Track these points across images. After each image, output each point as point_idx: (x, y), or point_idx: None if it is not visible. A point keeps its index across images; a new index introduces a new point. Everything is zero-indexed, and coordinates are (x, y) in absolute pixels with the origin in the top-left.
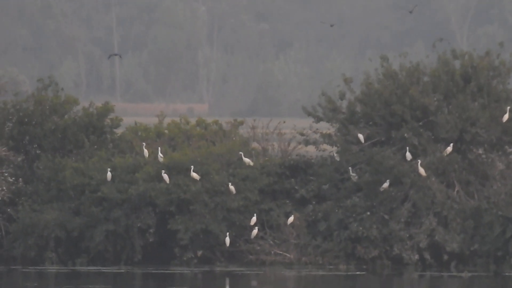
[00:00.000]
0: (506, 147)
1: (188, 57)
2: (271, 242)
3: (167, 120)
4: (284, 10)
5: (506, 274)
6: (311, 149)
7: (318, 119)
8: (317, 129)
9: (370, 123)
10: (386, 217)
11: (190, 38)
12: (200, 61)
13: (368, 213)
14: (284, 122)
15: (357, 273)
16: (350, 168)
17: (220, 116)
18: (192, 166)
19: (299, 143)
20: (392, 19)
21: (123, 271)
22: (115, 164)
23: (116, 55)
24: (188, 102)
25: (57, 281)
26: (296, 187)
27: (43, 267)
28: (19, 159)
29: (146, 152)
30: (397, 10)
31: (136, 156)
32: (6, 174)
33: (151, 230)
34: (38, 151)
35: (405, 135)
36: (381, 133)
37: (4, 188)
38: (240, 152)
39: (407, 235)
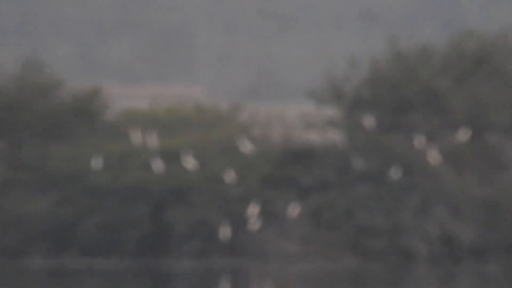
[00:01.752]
0: None
1: (185, 39)
2: (273, 233)
3: (162, 105)
4: None
5: None
6: (314, 135)
7: (322, 103)
8: (321, 114)
9: (378, 107)
10: (395, 206)
11: (187, 18)
12: (198, 42)
13: (376, 202)
14: (287, 106)
15: (363, 265)
16: (354, 156)
17: (219, 100)
18: (190, 154)
19: (302, 128)
20: None
21: (116, 264)
22: (107, 151)
23: None
24: (185, 85)
25: (45, 275)
26: (299, 175)
27: (30, 259)
28: (4, 146)
29: (140, 138)
30: None
31: (129, 142)
32: None
33: (145, 221)
34: (24, 137)
35: (415, 120)
36: (389, 118)
37: None
38: (241, 137)
39: (417, 226)
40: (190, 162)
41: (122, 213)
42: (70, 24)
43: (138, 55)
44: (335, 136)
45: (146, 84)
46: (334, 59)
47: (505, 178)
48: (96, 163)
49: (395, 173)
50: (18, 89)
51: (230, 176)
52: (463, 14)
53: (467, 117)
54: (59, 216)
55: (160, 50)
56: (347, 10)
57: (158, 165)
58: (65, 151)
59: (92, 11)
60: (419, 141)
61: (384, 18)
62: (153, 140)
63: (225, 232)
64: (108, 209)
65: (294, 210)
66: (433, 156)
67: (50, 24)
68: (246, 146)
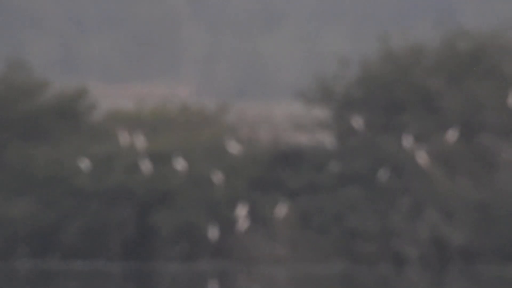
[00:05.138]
0: None
1: (169, 36)
2: (261, 236)
3: (147, 105)
4: None
5: None
6: (303, 136)
7: (311, 104)
8: (310, 114)
9: (368, 107)
10: (385, 209)
11: (172, 15)
12: (183, 39)
13: (366, 205)
14: (275, 106)
15: (354, 269)
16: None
17: (205, 100)
18: (178, 156)
19: (291, 129)
20: None
21: (99, 267)
22: (91, 153)
23: None
24: (170, 84)
25: (28, 278)
26: (288, 177)
27: (13, 262)
28: None
29: (124, 139)
30: None
31: (114, 143)
32: None
33: (130, 224)
34: (6, 138)
35: (406, 120)
36: (380, 119)
37: None
38: (228, 138)
39: (408, 229)
40: (180, 163)
41: (107, 216)
42: (50, 20)
43: (121, 53)
44: (325, 138)
45: (130, 83)
46: (323, 58)
47: (499, 180)
48: (85, 164)
49: (383, 174)
50: (1, 90)
51: (217, 178)
52: (456, 12)
53: (461, 118)
54: (42, 219)
55: (144, 48)
56: (337, 7)
57: (146, 166)
58: (49, 153)
59: (72, 6)
60: (407, 141)
61: (375, 16)
62: (139, 142)
63: (213, 233)
64: (92, 211)
65: (281, 210)
66: (422, 157)
67: (29, 20)
68: (234, 148)
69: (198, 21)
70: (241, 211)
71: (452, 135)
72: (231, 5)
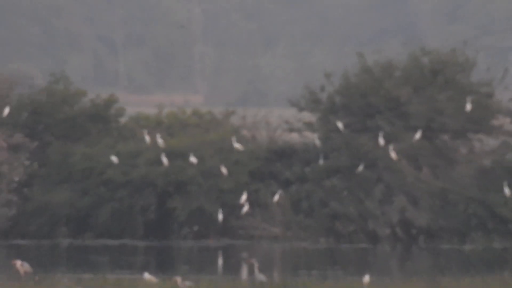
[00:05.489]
0: (469, 134)
1: (184, 53)
2: (259, 218)
3: (166, 111)
4: (271, 10)
5: (468, 247)
6: (295, 136)
7: (302, 109)
8: (300, 118)
9: (348, 112)
10: (362, 196)
11: (186, 36)
12: (196, 56)
13: (346, 193)
14: (271, 112)
15: (336, 246)
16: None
17: (214, 106)
18: (191, 152)
19: (285, 130)
20: (369, 19)
21: (126, 244)
22: (119, 150)
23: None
24: (185, 93)
25: (68, 253)
26: (282, 170)
27: (55, 240)
28: (34, 145)
29: (147, 139)
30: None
31: (138, 142)
32: (22, 158)
33: (151, 208)
34: (50, 138)
35: (379, 123)
36: (358, 122)
37: (21, 170)
38: (232, 138)
39: (381, 212)
40: (193, 159)
41: (132, 202)
42: (85, 40)
43: (144, 68)
44: (313, 137)
45: (151, 92)
46: (311, 72)
47: (455, 172)
48: (114, 159)
49: (360, 167)
50: (46, 99)
51: (223, 170)
52: (422, 33)
53: (424, 121)
54: (79, 204)
55: (163, 63)
56: (323, 29)
57: (165, 161)
58: (84, 150)
59: (104, 29)
60: (380, 140)
61: (354, 38)
62: (159, 141)
63: (220, 216)
64: (120, 198)
65: (276, 197)
66: (392, 153)
67: (68, 40)
68: (237, 146)
69: (208, 42)
70: (243, 199)
71: (417, 135)
72: (234, 28)
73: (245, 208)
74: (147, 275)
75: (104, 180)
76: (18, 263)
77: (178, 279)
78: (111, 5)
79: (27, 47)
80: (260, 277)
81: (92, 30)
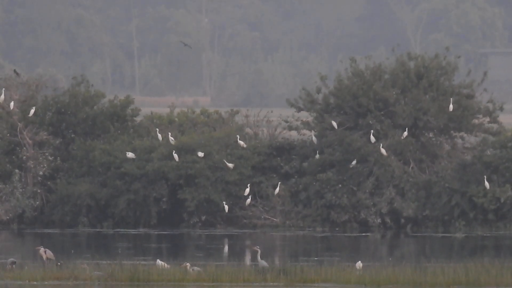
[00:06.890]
0: (452, 131)
1: (194, 59)
2: (261, 209)
3: (177, 110)
4: (272, 21)
5: (451, 235)
6: (293, 133)
7: (299, 109)
8: (298, 117)
9: (341, 112)
10: (354, 188)
11: (195, 44)
12: (204, 62)
13: (340, 185)
14: (272, 111)
15: (331, 234)
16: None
17: (220, 107)
18: (199, 148)
19: (284, 128)
20: (359, 29)
21: (141, 232)
22: (134, 146)
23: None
24: (194, 95)
25: (88, 241)
26: (282, 164)
27: (76, 229)
28: (57, 142)
29: (159, 136)
30: (363, 21)
31: (152, 139)
32: (46, 154)
33: (164, 199)
34: (72, 135)
35: (370, 122)
36: (350, 120)
37: (45, 165)
38: (237, 135)
39: (372, 203)
40: (201, 154)
41: (147, 193)
42: (105, 48)
43: (157, 72)
44: (310, 135)
45: (164, 95)
46: (308, 76)
47: (439, 166)
48: (130, 155)
49: (352, 162)
50: (69, 100)
51: (229, 165)
52: (408, 40)
53: (411, 120)
54: (99, 195)
55: (175, 69)
56: (318, 38)
57: (176, 156)
58: (104, 146)
59: (122, 38)
60: (371, 137)
61: (347, 45)
62: (171, 138)
63: (226, 206)
64: (136, 190)
65: (276, 189)
66: (381, 149)
67: (89, 48)
68: (241, 142)
69: (214, 49)
70: (246, 191)
71: (404, 133)
72: (239, 37)
73: (249, 200)
74: (159, 262)
75: (121, 174)
76: (41, 250)
77: (187, 264)
78: (128, 17)
79: (52, 54)
80: (263, 263)
81: (111, 39)
